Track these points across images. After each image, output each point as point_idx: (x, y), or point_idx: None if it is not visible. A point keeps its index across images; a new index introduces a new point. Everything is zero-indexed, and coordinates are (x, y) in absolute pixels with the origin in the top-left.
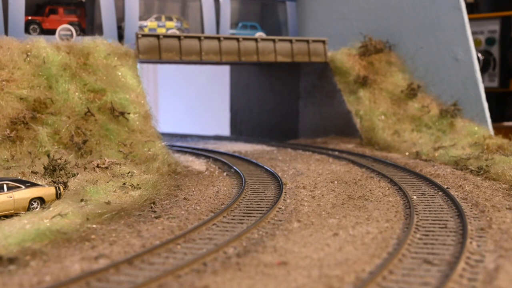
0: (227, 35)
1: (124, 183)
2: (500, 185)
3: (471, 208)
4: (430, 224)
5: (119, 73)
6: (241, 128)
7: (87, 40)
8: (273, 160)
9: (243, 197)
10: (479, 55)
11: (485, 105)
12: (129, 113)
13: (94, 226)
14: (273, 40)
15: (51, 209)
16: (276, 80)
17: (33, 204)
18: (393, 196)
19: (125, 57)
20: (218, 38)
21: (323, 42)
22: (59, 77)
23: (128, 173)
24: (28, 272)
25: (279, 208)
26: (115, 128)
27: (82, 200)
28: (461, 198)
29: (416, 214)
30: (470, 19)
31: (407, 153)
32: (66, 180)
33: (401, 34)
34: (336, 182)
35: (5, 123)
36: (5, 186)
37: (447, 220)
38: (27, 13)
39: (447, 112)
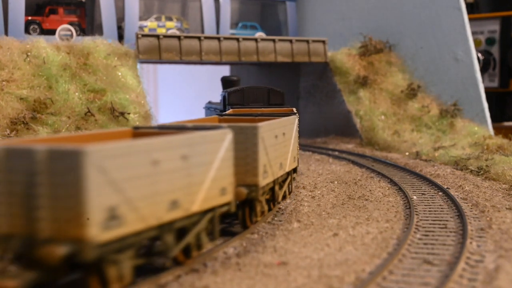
0: (227, 35)
1: None
2: (500, 185)
3: (471, 208)
4: (430, 224)
5: (119, 73)
6: None
7: (87, 40)
8: None
9: None
10: (479, 55)
11: (485, 105)
12: (129, 113)
13: None
14: (273, 40)
15: None
16: (276, 80)
17: None
18: (393, 196)
19: (125, 57)
20: (218, 38)
21: (323, 42)
22: (59, 77)
23: None
24: None
25: (279, 208)
26: None
27: None
28: (461, 198)
29: (416, 214)
30: (470, 19)
31: (407, 153)
32: None
33: (401, 34)
34: (336, 182)
35: (5, 123)
36: None
37: (447, 220)
38: (27, 13)
39: (447, 112)
